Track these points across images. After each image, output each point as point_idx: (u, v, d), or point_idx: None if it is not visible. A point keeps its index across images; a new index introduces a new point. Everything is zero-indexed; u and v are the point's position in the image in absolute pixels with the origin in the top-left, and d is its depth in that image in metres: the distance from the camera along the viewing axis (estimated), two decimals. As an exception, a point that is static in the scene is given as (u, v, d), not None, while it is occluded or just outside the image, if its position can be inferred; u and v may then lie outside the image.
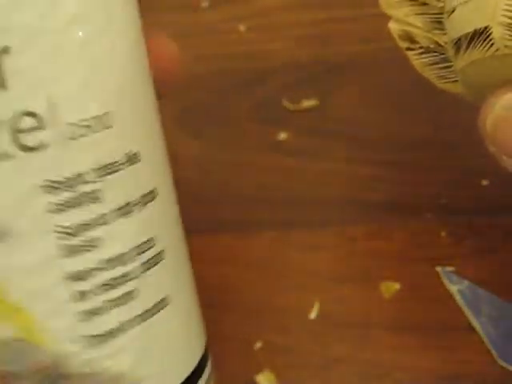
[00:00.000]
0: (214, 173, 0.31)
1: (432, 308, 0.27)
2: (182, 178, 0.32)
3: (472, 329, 0.25)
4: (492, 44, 0.18)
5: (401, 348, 0.26)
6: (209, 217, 0.31)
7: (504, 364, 0.25)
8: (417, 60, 0.21)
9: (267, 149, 0.31)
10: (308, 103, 0.31)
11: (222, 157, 0.32)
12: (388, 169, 0.30)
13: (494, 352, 0.25)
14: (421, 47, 0.21)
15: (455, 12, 0.19)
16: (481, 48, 0.18)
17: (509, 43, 0.18)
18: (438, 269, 0.27)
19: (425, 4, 0.20)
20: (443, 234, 0.28)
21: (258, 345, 0.28)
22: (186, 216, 0.31)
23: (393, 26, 0.21)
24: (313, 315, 0.28)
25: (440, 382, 0.26)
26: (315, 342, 0.27)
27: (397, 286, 0.27)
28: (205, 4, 0.35)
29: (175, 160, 0.33)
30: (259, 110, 0.32)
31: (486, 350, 0.25)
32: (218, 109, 0.33)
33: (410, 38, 0.21)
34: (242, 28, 0.34)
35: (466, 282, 0.26)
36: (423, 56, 0.21)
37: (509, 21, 0.17)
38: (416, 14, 0.20)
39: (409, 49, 0.21)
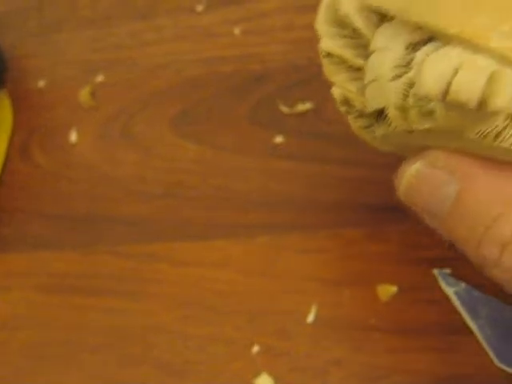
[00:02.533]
0: (211, 176, 0.31)
1: (429, 310, 0.27)
2: (178, 181, 0.32)
3: (469, 331, 0.25)
4: (391, 123, 0.19)
5: (398, 350, 0.26)
6: (206, 221, 0.31)
7: (502, 366, 0.25)
8: (354, 123, 0.22)
9: (263, 152, 0.31)
10: (303, 107, 0.31)
11: (219, 160, 0.32)
12: (384, 171, 0.30)
13: (491, 354, 0.25)
14: (357, 111, 0.21)
15: (367, 88, 0.20)
16: (385, 124, 0.20)
17: (402, 123, 0.19)
18: (435, 271, 0.27)
19: (359, 70, 0.21)
20: (439, 235, 0.28)
21: (256, 348, 0.28)
22: (183, 220, 0.31)
23: (335, 91, 0.22)
24: (310, 318, 0.28)
25: (438, 384, 0.26)
26: (313, 345, 0.27)
27: (394, 288, 0.27)
28: (200, 7, 0.35)
29: (173, 163, 0.33)
30: (255, 114, 0.32)
31: (483, 352, 0.25)
32: (213, 112, 0.33)
33: (347, 103, 0.22)
34: (236, 31, 0.34)
35: (463, 285, 0.26)
36: (358, 119, 0.21)
37: (399, 103, 0.18)
38: (351, 80, 0.21)
39: (347, 112, 0.22)
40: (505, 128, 0.18)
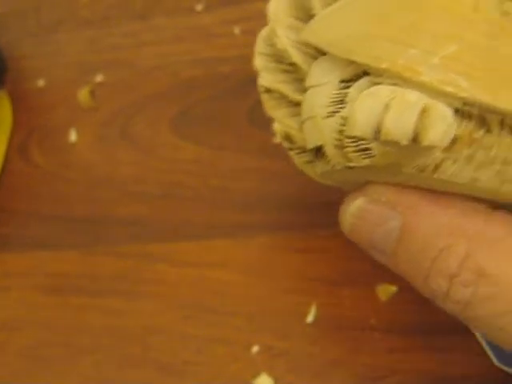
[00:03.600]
0: (210, 176, 0.31)
1: (429, 310, 0.27)
2: (178, 182, 0.32)
3: (469, 331, 0.25)
4: (329, 161, 0.19)
5: (398, 351, 0.26)
6: (206, 221, 0.31)
7: (501, 366, 0.25)
8: (296, 159, 0.21)
9: (262, 152, 0.31)
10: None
11: (218, 160, 0.32)
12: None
13: (491, 354, 0.25)
14: (298, 147, 0.21)
15: (304, 125, 0.20)
16: (324, 162, 0.20)
17: (340, 160, 0.19)
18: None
19: (298, 105, 0.20)
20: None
21: (256, 349, 0.28)
22: (182, 221, 0.31)
23: (276, 126, 0.22)
24: (310, 319, 0.28)
25: (438, 384, 0.26)
26: (312, 345, 0.27)
27: (394, 288, 0.27)
28: (199, 7, 0.35)
29: (172, 164, 0.33)
30: (254, 114, 0.32)
31: (483, 353, 0.25)
32: (213, 112, 0.33)
33: (289, 138, 0.21)
34: (236, 31, 0.34)
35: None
36: (300, 155, 0.21)
37: (335, 141, 0.18)
38: (291, 116, 0.21)
39: (289, 149, 0.21)
40: (443, 160, 0.17)
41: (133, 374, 0.29)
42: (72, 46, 0.37)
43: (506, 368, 0.25)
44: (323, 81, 0.19)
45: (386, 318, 0.27)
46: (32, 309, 0.32)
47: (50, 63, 0.37)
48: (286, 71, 0.21)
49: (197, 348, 0.29)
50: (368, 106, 0.17)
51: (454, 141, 0.17)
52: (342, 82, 0.18)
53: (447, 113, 0.16)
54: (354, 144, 0.18)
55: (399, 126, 0.16)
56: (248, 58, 0.34)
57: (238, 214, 0.30)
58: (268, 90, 0.22)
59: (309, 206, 0.30)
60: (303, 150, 0.21)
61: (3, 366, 0.31)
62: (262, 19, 0.34)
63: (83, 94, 0.35)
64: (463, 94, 0.17)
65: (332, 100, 0.19)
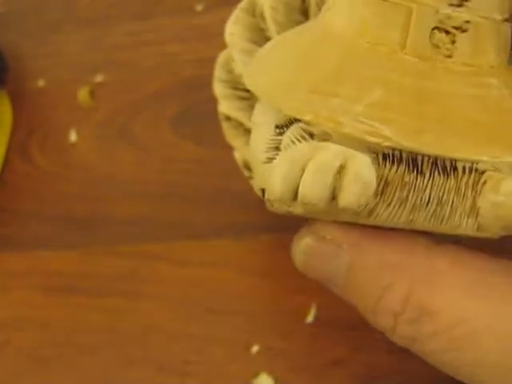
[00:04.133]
0: (211, 176, 0.31)
1: (429, 310, 0.27)
2: (178, 181, 0.32)
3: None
4: (272, 204, 0.19)
5: (399, 351, 0.26)
6: (206, 221, 0.31)
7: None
8: (255, 188, 0.21)
9: (263, 152, 0.31)
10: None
11: (219, 160, 0.32)
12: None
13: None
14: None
15: (251, 165, 0.20)
16: (269, 204, 0.19)
17: (280, 206, 0.18)
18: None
19: None
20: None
21: (256, 348, 0.28)
22: (183, 220, 0.31)
23: (236, 155, 0.22)
24: (310, 319, 0.28)
25: (438, 384, 0.26)
26: (312, 345, 0.27)
27: (393, 288, 0.27)
28: (199, 7, 0.35)
29: (172, 163, 0.33)
30: (254, 113, 0.32)
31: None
32: (213, 112, 0.33)
33: (248, 167, 0.21)
34: (236, 31, 0.34)
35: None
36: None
37: (260, 193, 0.19)
38: (248, 144, 0.21)
39: (249, 177, 0.21)
40: (376, 205, 0.17)
41: (133, 373, 0.29)
42: (72, 46, 0.37)
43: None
44: (262, 121, 0.19)
45: (386, 318, 0.27)
46: (32, 309, 0.32)
47: (50, 63, 0.37)
48: (243, 98, 0.21)
49: (197, 348, 0.29)
50: (285, 170, 0.17)
51: (386, 185, 0.17)
52: (277, 127, 0.18)
53: (364, 170, 0.16)
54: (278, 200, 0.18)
55: (314, 189, 0.16)
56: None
57: (238, 214, 0.30)
58: (227, 118, 0.22)
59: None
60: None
61: (3, 365, 0.31)
62: (262, 19, 0.34)
63: (83, 94, 0.35)
64: (387, 143, 0.16)
65: (269, 146, 0.18)
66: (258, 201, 0.30)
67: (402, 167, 0.17)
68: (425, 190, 0.17)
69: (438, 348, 0.19)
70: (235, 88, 0.21)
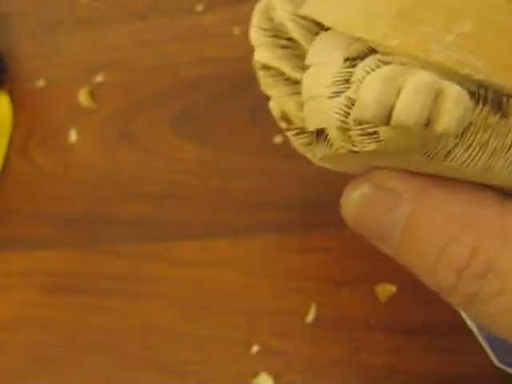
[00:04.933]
0: (211, 176, 0.31)
1: (428, 310, 0.27)
2: (179, 181, 0.32)
3: (469, 331, 0.25)
4: (332, 144, 0.18)
5: (398, 351, 0.26)
6: (206, 221, 0.31)
7: (501, 366, 0.25)
8: (294, 140, 0.20)
9: (263, 152, 0.31)
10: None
11: (219, 160, 0.32)
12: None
13: (491, 354, 0.25)
14: (296, 128, 0.20)
15: (305, 106, 0.18)
16: (325, 146, 0.18)
17: (343, 144, 0.17)
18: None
19: (298, 83, 0.19)
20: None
21: (256, 348, 0.28)
22: (183, 220, 0.31)
23: (272, 105, 0.20)
24: (309, 318, 0.28)
25: (437, 384, 0.26)
26: (312, 345, 0.27)
27: (393, 288, 0.27)
28: (199, 7, 0.35)
29: (172, 163, 0.33)
30: (254, 114, 0.32)
31: (483, 353, 0.25)
32: (213, 112, 0.33)
33: (286, 118, 0.20)
34: (236, 31, 0.34)
35: (463, 284, 0.26)
36: (299, 136, 0.20)
37: (340, 124, 0.17)
38: (290, 95, 0.20)
39: (287, 129, 0.20)
40: (455, 147, 0.16)
41: (133, 373, 0.29)
42: (72, 46, 0.37)
43: (506, 368, 0.25)
44: (326, 59, 0.18)
45: (386, 318, 0.27)
46: (32, 309, 0.32)
47: (51, 63, 0.37)
48: (284, 47, 0.20)
49: (197, 348, 0.29)
50: (378, 88, 0.15)
51: (468, 126, 0.16)
52: (347, 60, 0.17)
53: (463, 96, 0.15)
54: (360, 127, 0.17)
55: (411, 110, 0.15)
56: (248, 58, 0.34)
57: (238, 214, 0.30)
58: (264, 67, 0.20)
59: (309, 206, 0.30)
60: (302, 131, 0.19)
61: (3, 365, 0.31)
62: (262, 19, 0.34)
63: (83, 94, 0.35)
64: (479, 76, 0.16)
65: (336, 79, 0.17)
66: (258, 201, 0.30)
67: (487, 108, 0.16)
68: (507, 135, 0.17)
69: (503, 308, 0.17)
70: (276, 36, 0.20)
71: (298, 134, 0.20)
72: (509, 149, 0.17)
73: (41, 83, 0.36)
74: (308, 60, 0.18)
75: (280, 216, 0.30)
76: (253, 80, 0.33)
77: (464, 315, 0.26)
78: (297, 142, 0.20)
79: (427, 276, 0.18)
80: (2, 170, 0.35)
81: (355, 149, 0.17)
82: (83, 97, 0.35)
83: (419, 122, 0.15)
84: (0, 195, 0.35)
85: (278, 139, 0.31)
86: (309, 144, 0.19)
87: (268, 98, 0.20)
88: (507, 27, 0.16)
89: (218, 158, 0.32)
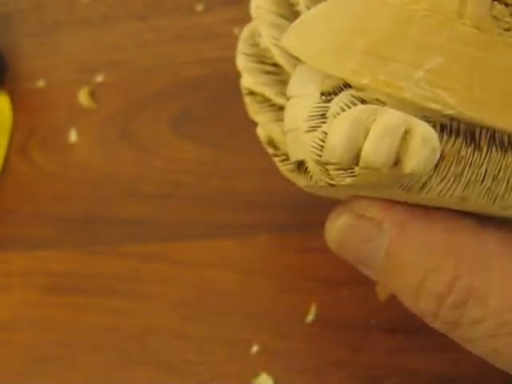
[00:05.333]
0: (211, 176, 0.31)
1: (429, 310, 0.27)
2: (179, 181, 0.32)
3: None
4: (311, 176, 0.18)
5: (398, 350, 0.26)
6: (206, 221, 0.31)
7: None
8: (281, 166, 0.20)
9: (263, 152, 0.31)
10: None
11: (219, 160, 0.32)
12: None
13: (491, 354, 0.25)
14: (282, 154, 0.20)
15: (286, 137, 0.19)
16: (305, 177, 0.19)
17: (322, 177, 0.18)
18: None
19: (282, 109, 0.19)
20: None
21: (255, 348, 0.28)
22: (183, 220, 0.31)
23: (259, 131, 0.21)
24: (310, 318, 0.28)
25: (438, 384, 0.26)
26: (312, 345, 0.27)
27: (393, 288, 0.27)
28: (199, 7, 0.35)
29: (172, 164, 0.33)
30: (254, 114, 0.32)
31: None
32: (214, 112, 0.33)
33: (273, 144, 0.20)
34: (236, 31, 0.34)
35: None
36: (284, 163, 0.20)
37: (317, 158, 0.17)
38: (275, 121, 0.20)
39: (274, 155, 0.21)
40: (429, 179, 0.17)
41: (133, 373, 0.29)
42: (72, 46, 0.37)
43: (506, 367, 0.25)
44: (304, 91, 0.18)
45: (386, 318, 0.27)
46: (32, 309, 0.32)
47: (51, 63, 0.37)
48: (269, 72, 0.20)
49: (197, 348, 0.29)
50: (345, 131, 0.16)
51: (442, 158, 0.16)
52: (323, 94, 0.18)
53: (431, 136, 0.15)
54: (334, 165, 0.17)
55: (379, 152, 0.15)
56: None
57: (238, 214, 0.30)
58: (251, 93, 0.21)
59: (309, 206, 0.30)
60: (287, 158, 0.20)
61: (3, 365, 0.31)
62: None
63: (83, 94, 0.35)
64: (449, 112, 0.16)
65: (312, 114, 0.18)
66: (258, 201, 0.30)
67: (460, 140, 0.16)
68: (481, 166, 0.17)
69: (484, 334, 0.18)
70: (261, 62, 0.20)
71: (283, 160, 0.20)
72: (483, 179, 0.17)
73: (41, 83, 0.36)
74: (289, 91, 0.19)
75: (280, 216, 0.30)
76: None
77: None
78: (283, 168, 0.20)
79: (410, 302, 0.19)
80: (2, 169, 0.35)
81: (333, 182, 0.17)
82: (83, 97, 0.35)
83: (387, 163, 0.15)
84: (0, 195, 0.35)
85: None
86: (293, 171, 0.20)
87: (255, 124, 0.21)
88: (476, 59, 0.16)
89: (217, 158, 0.32)
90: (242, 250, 0.30)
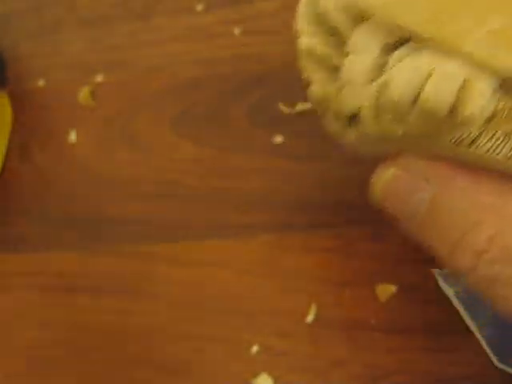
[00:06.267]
0: (210, 177, 0.31)
1: (428, 310, 0.27)
2: (179, 181, 0.32)
3: (469, 331, 0.25)
4: (363, 127, 0.19)
5: (398, 351, 0.26)
6: (206, 221, 0.31)
7: (502, 366, 0.25)
8: (329, 125, 0.21)
9: (263, 152, 0.31)
10: (303, 107, 0.31)
11: (219, 160, 0.32)
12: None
13: (491, 354, 0.25)
14: (333, 112, 0.21)
15: (342, 90, 0.20)
16: (357, 129, 0.19)
17: (374, 127, 0.18)
18: (435, 271, 0.27)
19: (337, 69, 0.20)
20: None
21: (256, 348, 0.28)
22: (183, 220, 0.31)
23: (312, 89, 0.21)
24: (309, 318, 0.28)
25: (438, 384, 0.26)
26: (312, 345, 0.27)
27: (393, 288, 0.27)
28: (199, 7, 0.35)
29: (172, 163, 0.33)
30: (254, 114, 0.32)
31: (483, 353, 0.25)
32: (213, 112, 0.33)
33: (323, 103, 0.21)
34: (236, 31, 0.34)
35: (463, 285, 0.26)
36: (334, 121, 0.21)
37: (372, 108, 0.18)
38: (329, 80, 0.21)
39: (323, 113, 0.21)
40: (480, 135, 0.17)
41: (133, 373, 0.29)
42: (72, 46, 0.37)
43: (506, 368, 0.25)
44: (364, 47, 0.19)
45: (386, 318, 0.27)
46: (33, 308, 0.32)
47: (51, 63, 0.37)
48: (328, 34, 0.21)
49: (197, 347, 0.29)
50: (408, 73, 0.17)
51: (493, 116, 0.17)
52: (384, 49, 0.18)
53: (487, 88, 0.16)
54: (391, 111, 0.18)
55: (438, 96, 0.16)
56: (248, 58, 0.34)
57: (238, 214, 0.30)
58: (309, 53, 0.21)
59: (309, 206, 0.30)
60: (337, 116, 0.21)
61: (3, 365, 0.31)
62: (262, 19, 0.34)
63: (83, 94, 0.35)
64: (507, 72, 0.17)
65: (372, 67, 0.18)
66: (259, 201, 0.30)
67: None
68: None
69: None
70: (320, 24, 0.21)
71: (333, 118, 0.21)
72: None
73: (41, 83, 0.36)
74: (348, 47, 0.19)
75: (280, 216, 0.30)
76: (253, 80, 0.33)
77: (464, 315, 0.26)
78: (330, 127, 0.21)
79: (446, 256, 0.19)
80: (1, 169, 0.35)
81: (385, 132, 0.18)
82: (83, 97, 0.35)
83: (443, 108, 0.16)
84: (0, 195, 0.35)
85: (278, 139, 0.31)
86: (342, 128, 0.20)
87: (308, 84, 0.21)
88: None
89: (217, 158, 0.32)
90: (243, 250, 0.30)
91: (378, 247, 0.28)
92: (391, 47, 0.18)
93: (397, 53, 0.18)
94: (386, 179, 0.20)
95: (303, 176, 0.30)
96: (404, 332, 0.27)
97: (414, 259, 0.28)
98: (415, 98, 0.17)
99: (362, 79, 0.19)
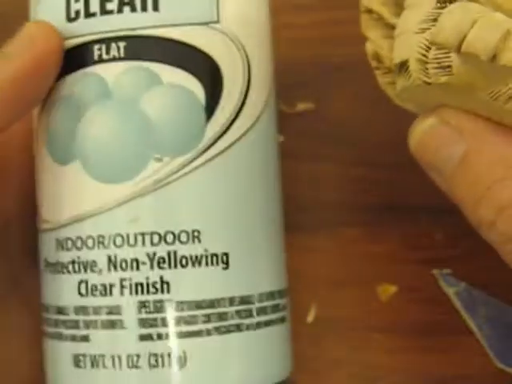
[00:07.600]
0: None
1: (429, 310, 0.27)
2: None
3: (469, 331, 0.25)
4: (411, 75, 0.20)
5: (398, 350, 0.26)
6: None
7: (502, 366, 0.25)
8: (381, 78, 0.23)
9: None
10: (304, 106, 0.31)
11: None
12: (383, 171, 0.30)
13: (491, 354, 0.25)
14: (385, 67, 0.22)
15: (395, 41, 0.21)
16: (404, 77, 0.20)
17: (420, 76, 0.19)
18: (435, 271, 0.27)
19: (394, 28, 0.21)
20: (439, 235, 0.28)
21: (255, 348, 0.28)
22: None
23: (368, 45, 0.23)
24: (310, 318, 0.28)
25: (438, 384, 0.26)
26: (312, 345, 0.27)
27: (393, 288, 0.27)
28: (199, 7, 0.35)
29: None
30: (255, 113, 0.32)
31: (483, 353, 0.25)
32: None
33: (378, 58, 0.23)
34: (236, 31, 0.34)
35: (463, 284, 0.26)
36: (386, 75, 0.22)
37: (420, 56, 0.19)
38: (385, 37, 0.22)
39: (376, 68, 0.23)
40: None
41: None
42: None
43: (506, 368, 0.25)
44: (422, 1, 0.20)
45: (386, 318, 0.27)
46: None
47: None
48: None
49: (197, 348, 0.29)
50: (456, 17, 0.18)
51: None
52: (439, 2, 0.19)
53: None
54: (436, 60, 0.19)
55: (482, 40, 0.17)
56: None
57: (238, 214, 0.30)
58: (368, 11, 0.23)
59: (309, 206, 0.30)
60: (388, 71, 0.22)
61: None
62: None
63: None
64: None
65: (426, 18, 0.19)
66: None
67: None
68: None
69: None
70: None
71: (385, 73, 0.22)
72: None
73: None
74: (406, 2, 0.21)
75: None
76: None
77: (465, 315, 0.26)
78: (382, 81, 0.22)
79: (470, 209, 0.20)
80: None
81: (429, 80, 0.19)
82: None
83: (486, 53, 0.17)
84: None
85: (277, 139, 0.31)
86: (392, 83, 0.22)
87: (365, 40, 0.23)
88: None
89: (218, 157, 0.32)
90: (242, 249, 0.30)
91: (378, 247, 0.28)
92: (446, 2, 0.19)
93: (450, 6, 0.19)
94: (422, 129, 0.21)
95: (303, 176, 0.30)
96: (404, 332, 0.27)
97: (414, 259, 0.28)
98: (460, 41, 0.18)
99: (415, 28, 0.19)
